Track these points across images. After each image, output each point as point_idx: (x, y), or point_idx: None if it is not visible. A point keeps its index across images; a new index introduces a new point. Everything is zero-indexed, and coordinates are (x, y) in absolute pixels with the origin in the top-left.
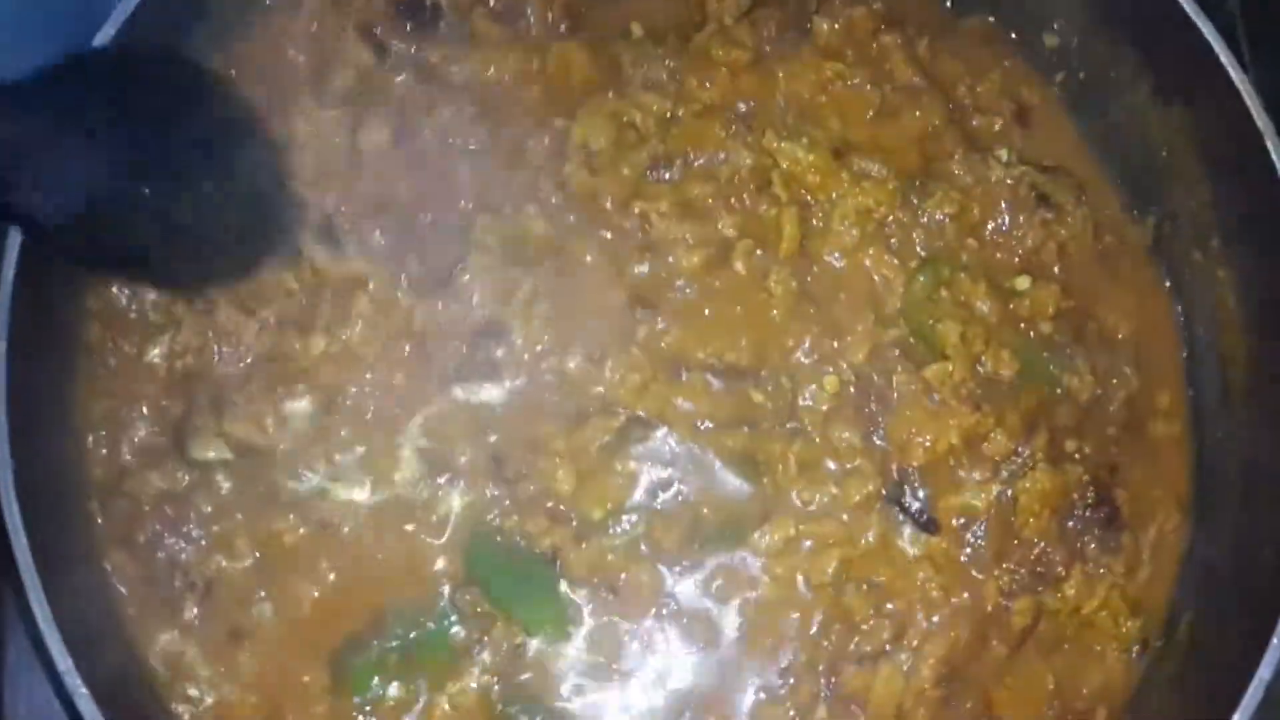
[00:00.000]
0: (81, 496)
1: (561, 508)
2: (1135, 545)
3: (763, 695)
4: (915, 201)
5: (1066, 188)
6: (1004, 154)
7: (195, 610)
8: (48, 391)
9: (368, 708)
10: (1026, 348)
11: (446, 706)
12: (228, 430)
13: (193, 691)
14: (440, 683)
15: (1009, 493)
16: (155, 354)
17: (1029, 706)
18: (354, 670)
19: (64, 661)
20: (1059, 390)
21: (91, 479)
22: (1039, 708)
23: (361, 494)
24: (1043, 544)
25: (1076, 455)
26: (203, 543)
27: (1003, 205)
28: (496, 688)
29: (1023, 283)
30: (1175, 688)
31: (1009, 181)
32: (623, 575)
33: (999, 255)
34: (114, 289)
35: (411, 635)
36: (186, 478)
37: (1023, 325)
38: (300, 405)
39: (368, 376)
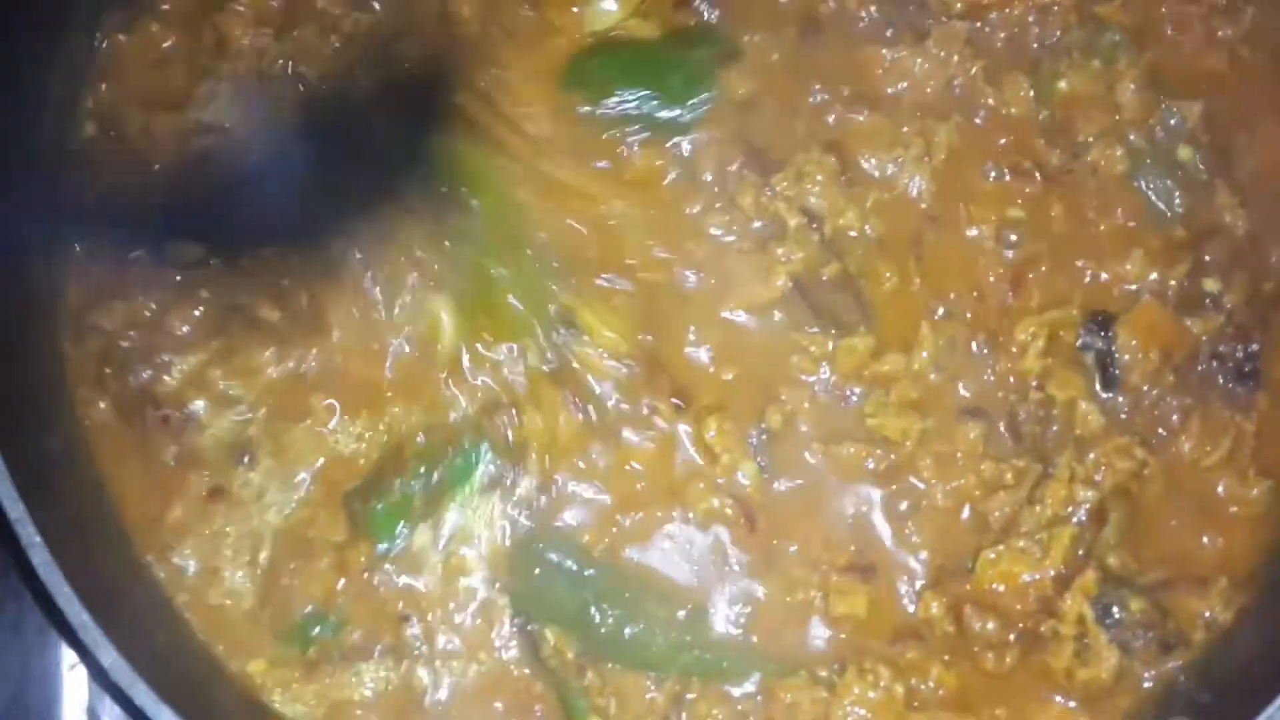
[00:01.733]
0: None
1: None
2: (1274, 412)
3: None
4: None
5: None
6: None
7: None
8: None
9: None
10: (1143, 154)
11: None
12: None
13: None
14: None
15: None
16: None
17: (1144, 562)
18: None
19: (14, 508)
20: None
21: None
22: (1154, 565)
23: None
24: (1152, 390)
25: (1216, 299)
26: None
27: None
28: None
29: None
30: None
31: None
32: None
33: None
34: None
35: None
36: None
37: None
38: None
39: None
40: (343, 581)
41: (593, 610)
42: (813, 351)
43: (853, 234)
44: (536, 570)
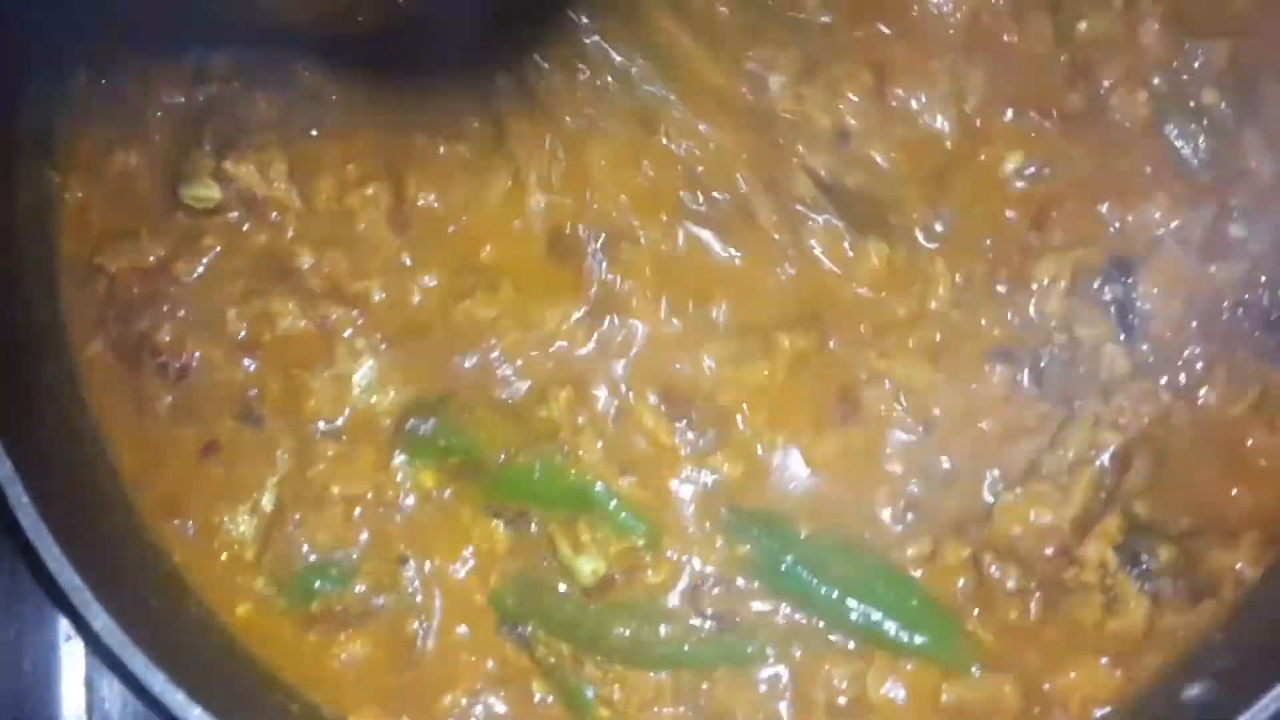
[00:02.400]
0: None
1: None
2: None
3: None
4: None
5: None
6: None
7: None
8: None
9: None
10: (1166, 98)
11: None
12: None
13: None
14: None
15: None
16: None
17: (1171, 511)
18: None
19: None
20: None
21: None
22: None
23: None
24: (1175, 338)
25: (1242, 245)
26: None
27: None
28: None
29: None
30: None
31: None
32: None
33: None
34: None
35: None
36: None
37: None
38: None
39: None
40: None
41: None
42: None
43: (878, 159)
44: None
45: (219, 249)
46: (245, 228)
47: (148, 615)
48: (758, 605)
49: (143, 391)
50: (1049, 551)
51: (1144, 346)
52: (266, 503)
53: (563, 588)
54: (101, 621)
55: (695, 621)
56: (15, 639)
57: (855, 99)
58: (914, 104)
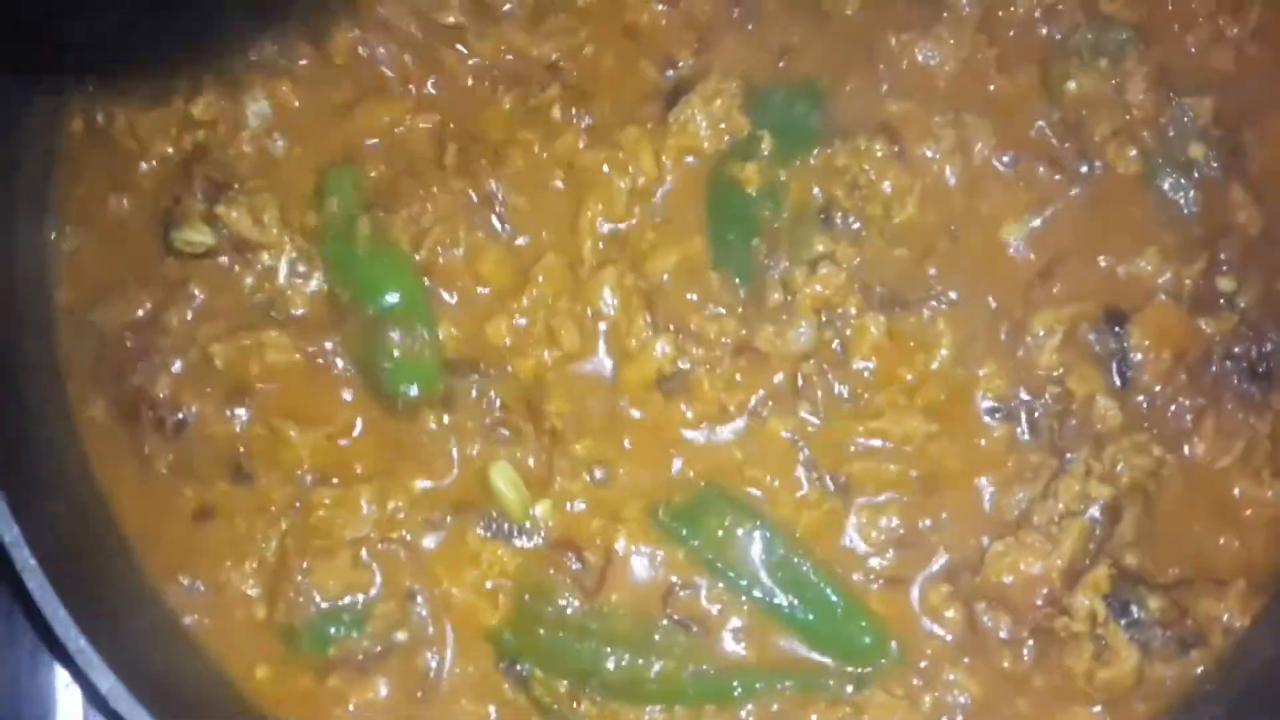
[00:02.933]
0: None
1: None
2: None
3: None
4: None
5: None
6: None
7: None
8: None
9: None
10: (1155, 153)
11: None
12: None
13: None
14: None
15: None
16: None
17: (1160, 562)
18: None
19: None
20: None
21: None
22: (1171, 565)
23: None
24: (1165, 389)
25: (1230, 298)
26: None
27: None
28: None
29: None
30: None
31: None
32: None
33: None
34: None
35: None
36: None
37: (1173, 132)
38: None
39: None
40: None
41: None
42: None
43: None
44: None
45: (206, 295)
46: (235, 270)
47: (154, 672)
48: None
49: (142, 449)
50: (1039, 601)
51: (1136, 398)
52: (271, 556)
53: (563, 601)
54: (109, 683)
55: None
56: (12, 685)
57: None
58: (928, 156)
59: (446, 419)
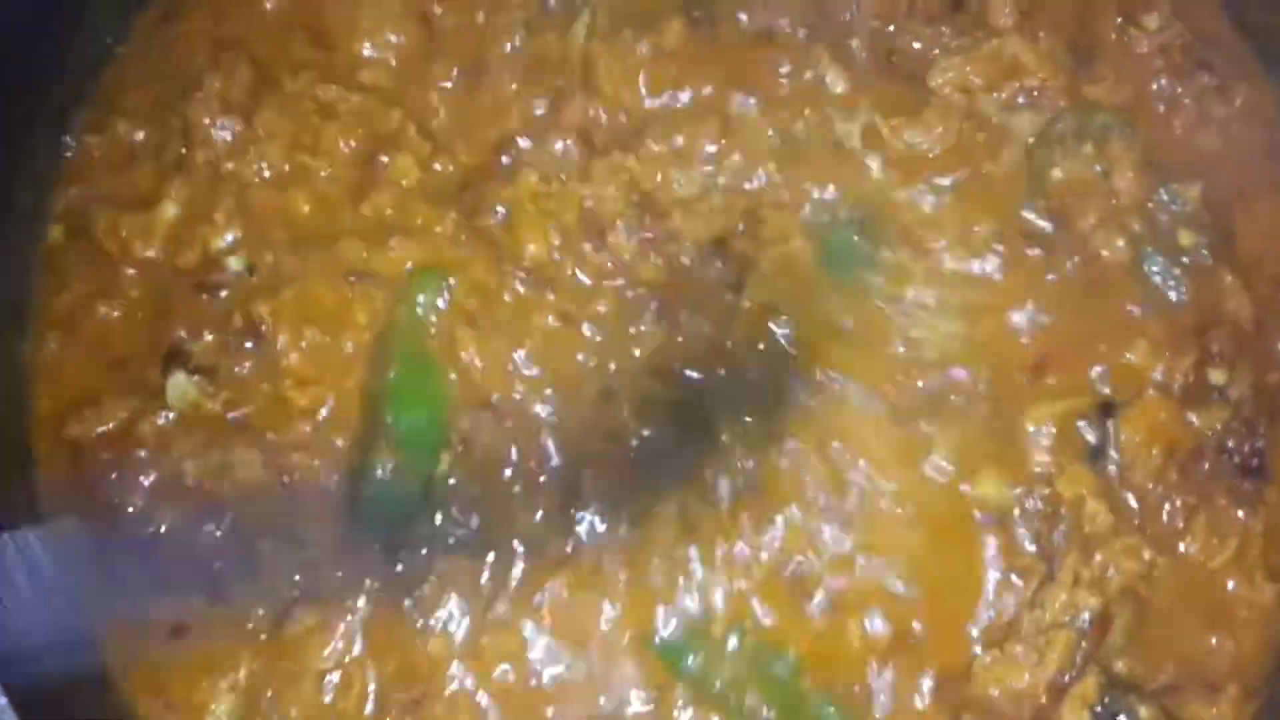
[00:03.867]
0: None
1: None
2: None
3: None
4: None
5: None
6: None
7: None
8: None
9: None
10: (1144, 240)
11: None
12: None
13: None
14: None
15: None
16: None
17: (1152, 665)
18: None
19: None
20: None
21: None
22: (1162, 668)
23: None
24: (1155, 487)
25: (1222, 391)
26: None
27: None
28: None
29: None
30: None
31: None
32: None
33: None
34: None
35: None
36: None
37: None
38: None
39: None
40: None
41: None
42: None
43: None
44: None
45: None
46: (210, 390)
47: None
48: None
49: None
50: (1027, 716)
51: (1127, 496)
52: (243, 678)
53: None
54: None
55: None
56: None
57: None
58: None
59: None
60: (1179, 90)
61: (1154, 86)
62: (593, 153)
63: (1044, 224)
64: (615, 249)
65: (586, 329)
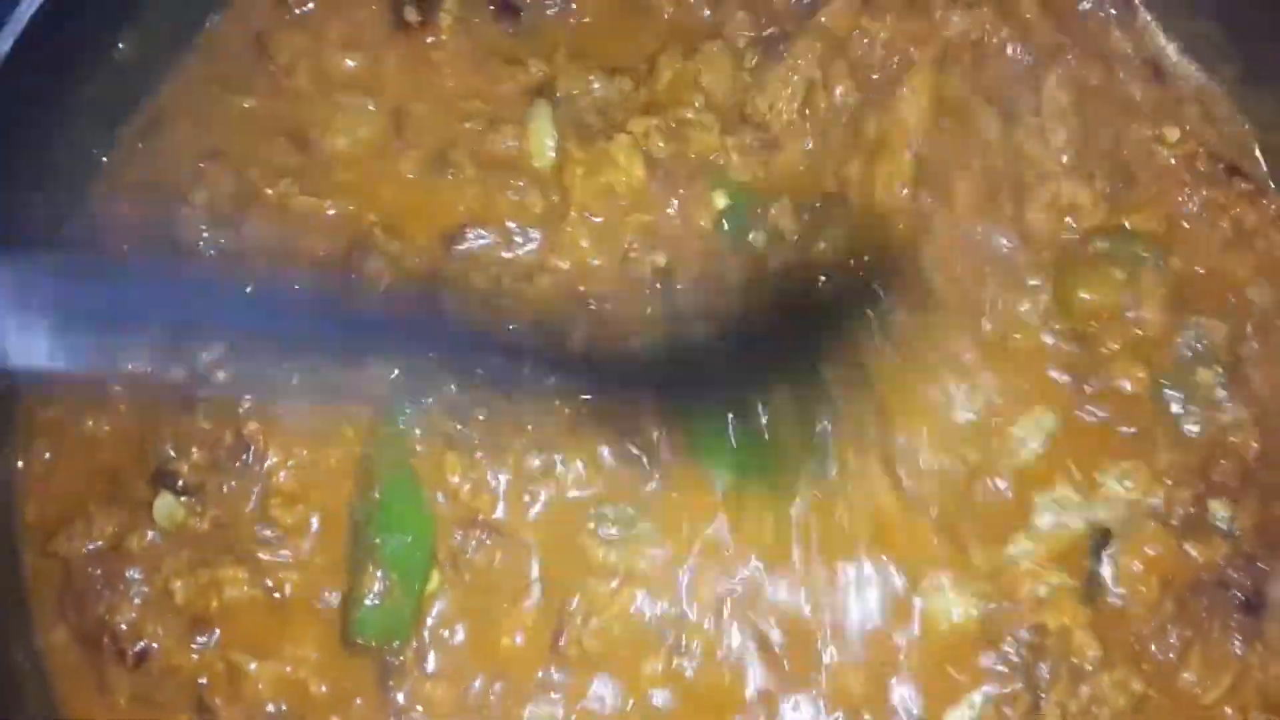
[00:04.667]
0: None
1: None
2: None
3: None
4: None
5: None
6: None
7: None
8: None
9: None
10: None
11: None
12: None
13: None
14: None
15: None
16: None
17: None
18: None
19: None
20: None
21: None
22: None
23: None
24: (1151, 619)
25: (1224, 524)
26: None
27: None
28: None
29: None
30: None
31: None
32: None
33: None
34: None
35: None
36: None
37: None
38: None
39: None
40: None
41: None
42: None
43: None
44: None
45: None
46: (198, 511)
47: None
48: None
49: (104, 680)
50: None
51: (1119, 627)
52: None
53: None
54: None
55: None
56: None
57: None
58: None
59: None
60: (1210, 200)
61: (1182, 200)
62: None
63: (1067, 347)
64: None
65: None
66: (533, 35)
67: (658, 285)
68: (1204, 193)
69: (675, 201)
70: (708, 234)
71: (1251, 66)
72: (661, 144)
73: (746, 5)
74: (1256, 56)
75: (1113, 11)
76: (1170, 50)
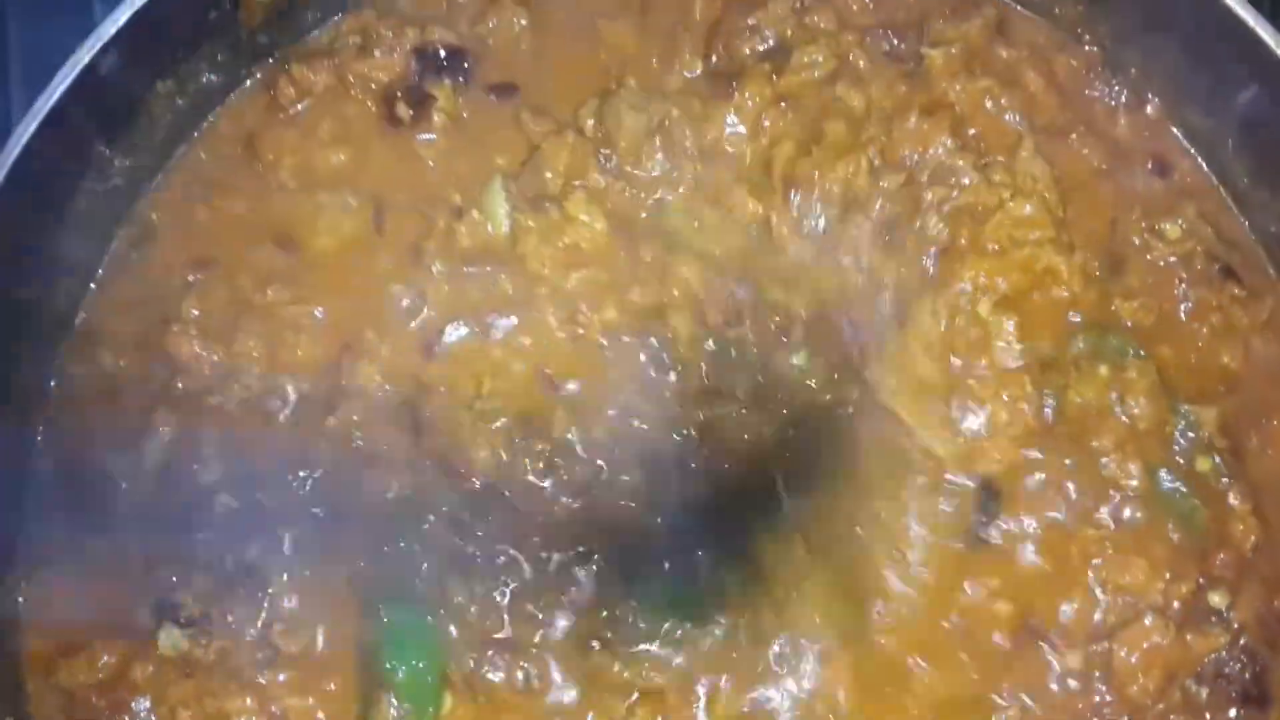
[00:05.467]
0: None
1: None
2: None
3: None
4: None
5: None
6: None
7: None
8: None
9: None
10: (1161, 463)
11: None
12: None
13: None
14: None
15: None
16: None
17: None
18: None
19: None
20: (1196, 528)
21: None
22: None
23: None
24: (1155, 707)
25: (1223, 615)
26: None
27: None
28: None
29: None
30: None
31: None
32: None
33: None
34: None
35: None
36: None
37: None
38: None
39: None
40: None
41: None
42: None
43: None
44: None
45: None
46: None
47: None
48: None
49: None
50: None
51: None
52: None
53: None
54: None
55: None
56: None
57: None
58: None
59: None
60: (1204, 300)
61: (1178, 296)
62: None
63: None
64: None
65: None
66: None
67: None
68: (1199, 291)
69: None
70: None
71: (1262, 168)
72: None
73: None
74: (1269, 157)
75: (1123, 99)
76: (1177, 143)
